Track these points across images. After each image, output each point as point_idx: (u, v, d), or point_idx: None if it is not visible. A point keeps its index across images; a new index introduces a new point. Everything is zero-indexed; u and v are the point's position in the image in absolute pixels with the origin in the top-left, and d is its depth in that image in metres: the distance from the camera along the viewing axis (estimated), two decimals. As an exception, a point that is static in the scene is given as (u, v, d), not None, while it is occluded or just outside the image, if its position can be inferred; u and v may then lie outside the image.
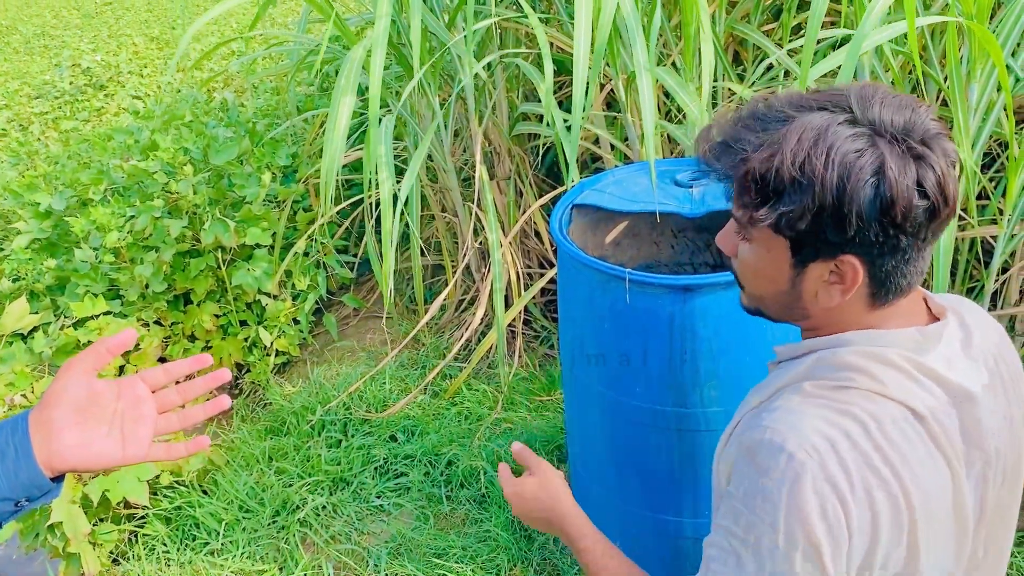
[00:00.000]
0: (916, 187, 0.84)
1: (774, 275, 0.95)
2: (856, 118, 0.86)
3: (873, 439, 0.87)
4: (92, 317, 2.77)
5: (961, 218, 2.35)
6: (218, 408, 0.89)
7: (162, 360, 3.08)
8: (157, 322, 3.10)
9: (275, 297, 3.24)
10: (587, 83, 2.01)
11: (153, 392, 0.87)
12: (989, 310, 2.46)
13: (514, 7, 2.92)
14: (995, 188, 2.53)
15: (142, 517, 2.45)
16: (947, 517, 0.91)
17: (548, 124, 2.28)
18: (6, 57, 9.36)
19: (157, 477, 2.55)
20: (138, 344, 2.90)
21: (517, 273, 2.94)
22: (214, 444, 2.84)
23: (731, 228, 1.00)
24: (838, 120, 0.86)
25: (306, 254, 3.32)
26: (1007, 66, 2.21)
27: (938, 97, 2.60)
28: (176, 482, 2.56)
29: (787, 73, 2.59)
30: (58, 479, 0.79)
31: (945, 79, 2.19)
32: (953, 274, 2.56)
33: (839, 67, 1.92)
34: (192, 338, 3.15)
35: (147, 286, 3.00)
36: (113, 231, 2.93)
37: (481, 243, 3.06)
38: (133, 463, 0.83)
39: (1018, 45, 2.25)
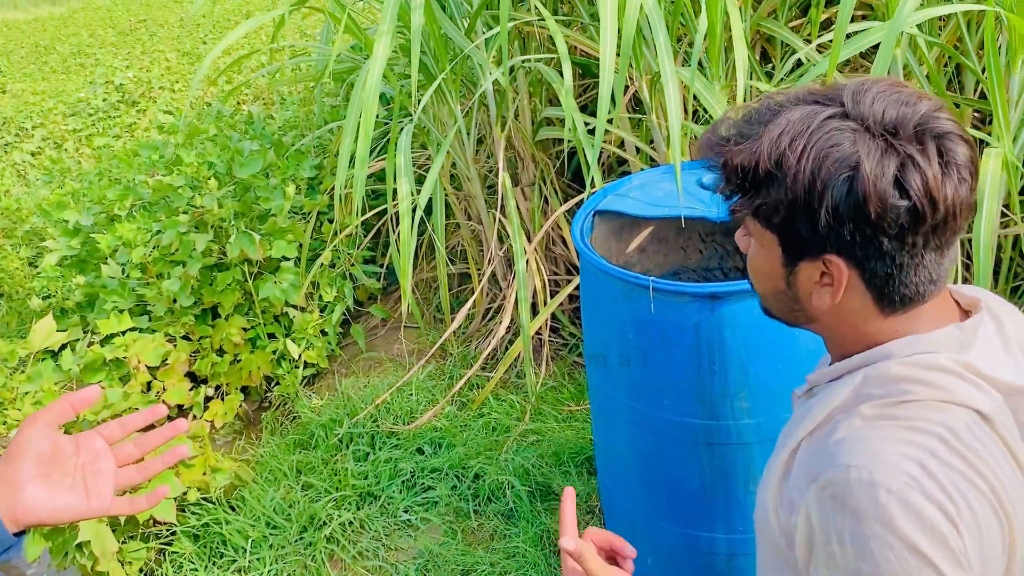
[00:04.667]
0: (894, 186, 0.79)
1: (770, 272, 0.92)
2: (847, 112, 0.82)
3: (957, 451, 0.80)
4: (120, 333, 2.78)
5: (1004, 215, 2.26)
6: (176, 458, 0.89)
7: (190, 375, 3.08)
8: (185, 337, 3.10)
9: (302, 309, 3.23)
10: (613, 85, 1.96)
11: (111, 445, 0.86)
12: (1035, 310, 2.35)
13: (536, 12, 2.88)
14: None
15: (171, 534, 2.44)
16: None
17: (570, 128, 2.23)
18: (44, 76, 9.54)
19: (185, 494, 2.54)
20: (165, 359, 2.91)
21: (543, 280, 2.89)
22: (242, 459, 2.83)
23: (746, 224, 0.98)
24: (825, 114, 0.82)
25: (332, 265, 3.31)
26: (1049, 55, 2.11)
27: (976, 90, 2.50)
28: (204, 499, 2.54)
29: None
30: (20, 533, 0.78)
31: (983, 71, 2.11)
32: (996, 273, 2.46)
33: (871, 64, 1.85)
34: (220, 352, 3.15)
35: (174, 301, 3.00)
36: (139, 247, 2.94)
37: (507, 250, 3.02)
38: (98, 516, 0.83)
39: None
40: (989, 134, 2.10)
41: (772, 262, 0.90)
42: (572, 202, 2.76)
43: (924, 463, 0.79)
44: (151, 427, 0.91)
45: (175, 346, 2.99)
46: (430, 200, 2.98)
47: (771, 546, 0.94)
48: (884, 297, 0.86)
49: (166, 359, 2.91)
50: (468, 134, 2.92)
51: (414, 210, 2.50)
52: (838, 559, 0.81)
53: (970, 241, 1.99)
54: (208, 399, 3.07)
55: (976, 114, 2.58)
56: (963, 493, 0.78)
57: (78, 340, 2.94)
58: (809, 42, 2.46)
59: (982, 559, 0.79)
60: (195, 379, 3.11)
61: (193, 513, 2.48)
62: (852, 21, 2.34)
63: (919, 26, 2.30)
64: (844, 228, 0.81)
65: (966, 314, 0.91)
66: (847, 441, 0.83)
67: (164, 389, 2.85)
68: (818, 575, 0.84)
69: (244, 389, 3.20)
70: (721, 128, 0.91)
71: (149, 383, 2.79)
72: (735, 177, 0.86)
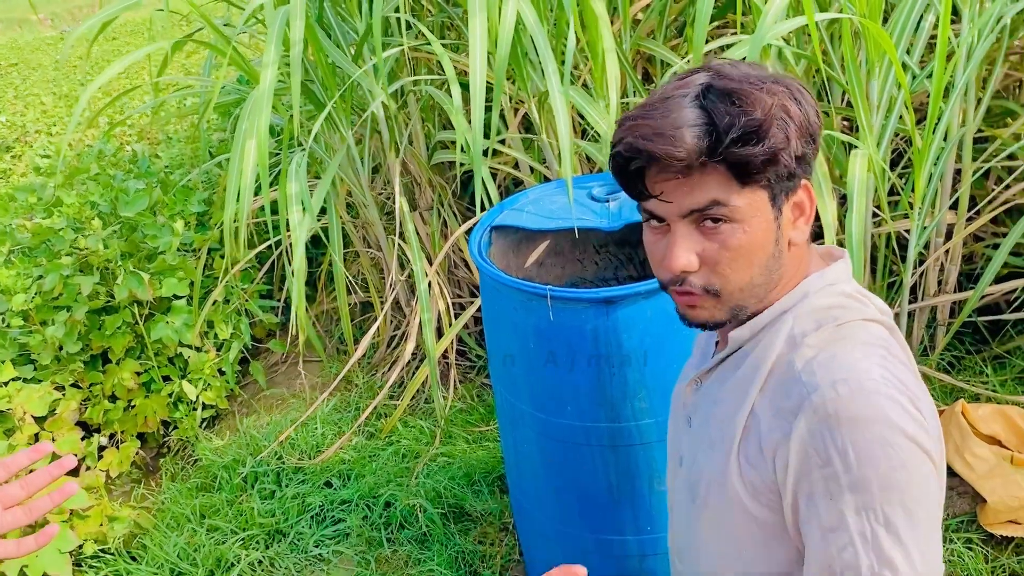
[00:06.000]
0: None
1: (764, 238, 0.93)
2: (747, 74, 0.93)
3: (895, 355, 0.92)
4: (2, 384, 2.63)
5: (875, 214, 2.40)
6: (64, 496, 0.87)
7: (82, 425, 2.93)
8: (75, 384, 2.95)
9: (198, 349, 3.12)
10: (488, 102, 2.00)
11: None
12: (909, 303, 2.50)
13: (423, 37, 2.91)
14: (905, 184, 2.59)
15: (66, 592, 2.31)
16: None
17: (462, 149, 2.25)
18: (-94, 125, 8.99)
19: (81, 547, 2.41)
20: (53, 409, 2.77)
21: (447, 303, 2.89)
22: (141, 507, 2.71)
23: (683, 238, 0.92)
24: (755, 73, 0.92)
25: (227, 301, 3.22)
26: (903, 64, 2.27)
27: (843, 99, 2.66)
28: (102, 551, 2.42)
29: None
30: None
31: (847, 81, 2.24)
32: (873, 271, 2.60)
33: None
34: (113, 398, 3.02)
35: (61, 348, 2.87)
36: (19, 293, 2.80)
37: (409, 276, 3.01)
38: None
39: (912, 43, 2.32)
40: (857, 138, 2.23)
41: (767, 223, 0.92)
42: (471, 223, 2.78)
43: (885, 366, 0.89)
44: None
45: (64, 395, 2.85)
46: (327, 231, 2.95)
47: (741, 516, 0.96)
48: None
49: (54, 409, 2.77)
50: (363, 161, 2.91)
51: (311, 240, 2.47)
52: (840, 477, 0.85)
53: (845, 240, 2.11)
54: (102, 448, 2.92)
55: (844, 122, 2.74)
56: (915, 385, 0.91)
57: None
58: (688, 59, 2.56)
59: (938, 437, 0.91)
60: (87, 428, 2.97)
61: (91, 567, 2.36)
62: (727, 36, 2.46)
63: (786, 39, 2.44)
64: (817, 141, 0.93)
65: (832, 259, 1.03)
66: (815, 366, 0.90)
67: (53, 440, 2.70)
68: (816, 509, 0.87)
69: (141, 436, 3.07)
70: (659, 123, 0.89)
71: (36, 434, 2.65)
72: (774, 132, 0.88)
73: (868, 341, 0.92)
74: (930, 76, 2.23)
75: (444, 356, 3.03)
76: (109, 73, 2.61)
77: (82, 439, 2.84)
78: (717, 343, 1.07)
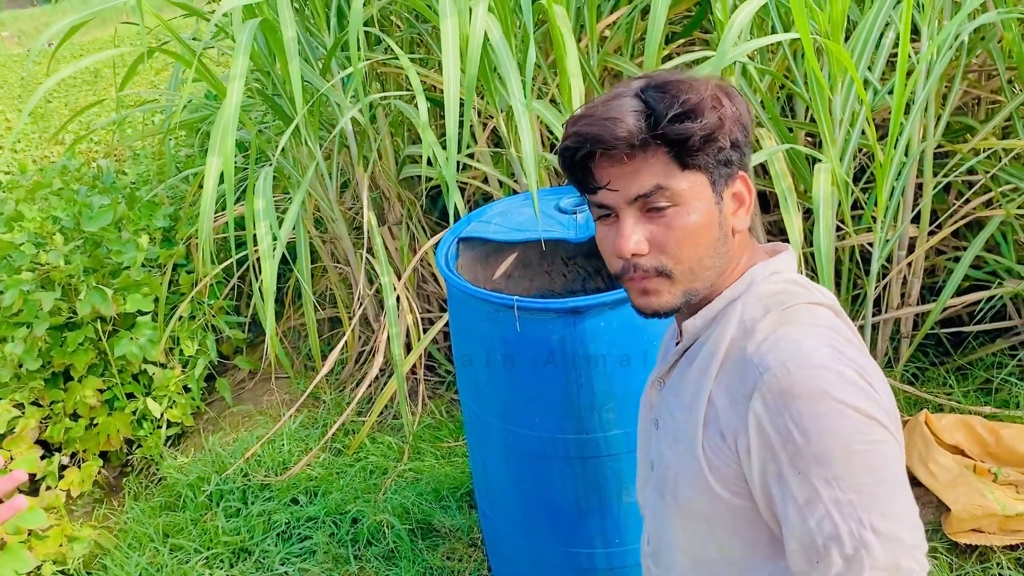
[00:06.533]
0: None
1: (707, 221, 0.97)
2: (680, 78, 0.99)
3: (842, 334, 0.95)
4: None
5: (839, 228, 2.43)
6: (12, 511, 0.85)
7: (43, 444, 2.87)
8: (35, 403, 2.89)
9: (163, 366, 3.08)
10: (460, 115, 2.00)
11: None
12: (873, 315, 2.53)
13: (391, 51, 2.91)
14: (868, 198, 2.63)
15: (22, 615, 2.25)
16: None
17: (430, 163, 2.25)
18: None
19: (39, 568, 2.36)
20: (12, 427, 2.71)
21: (415, 318, 2.88)
22: (102, 527, 2.65)
23: (631, 223, 0.96)
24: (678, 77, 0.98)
25: (193, 317, 3.18)
26: (865, 80, 2.31)
27: (807, 114, 2.69)
28: (60, 572, 2.36)
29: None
30: None
31: (810, 97, 2.27)
32: (838, 283, 2.63)
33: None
34: (75, 416, 2.96)
35: (20, 365, 2.81)
36: (-23, 310, 2.74)
37: (377, 291, 2.99)
38: None
39: (873, 60, 2.37)
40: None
41: (708, 207, 0.97)
42: (439, 236, 2.77)
43: (832, 344, 0.92)
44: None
45: (23, 413, 2.79)
46: (295, 246, 2.93)
47: (712, 505, 0.97)
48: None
49: (13, 427, 2.71)
50: (331, 176, 2.90)
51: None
52: (803, 451, 0.87)
53: (812, 255, 2.13)
54: (64, 467, 2.86)
55: (808, 137, 2.77)
56: (864, 361, 0.93)
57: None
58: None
59: (892, 408, 0.93)
60: (48, 447, 2.91)
61: (48, 589, 2.30)
62: (694, 52, 2.49)
63: (750, 56, 2.47)
64: (749, 136, 0.98)
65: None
66: (765, 348, 0.92)
67: (12, 459, 2.65)
68: (788, 486, 0.88)
69: (103, 454, 3.01)
70: (600, 114, 0.95)
71: (-7, 454, 2.59)
72: (707, 117, 0.93)
73: (814, 323, 0.95)
74: (891, 92, 2.27)
75: (413, 371, 3.01)
76: (66, 72, 2.57)
77: (42, 458, 2.78)
78: (677, 343, 1.08)
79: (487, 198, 3.19)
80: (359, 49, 2.71)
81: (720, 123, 0.94)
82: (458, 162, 2.48)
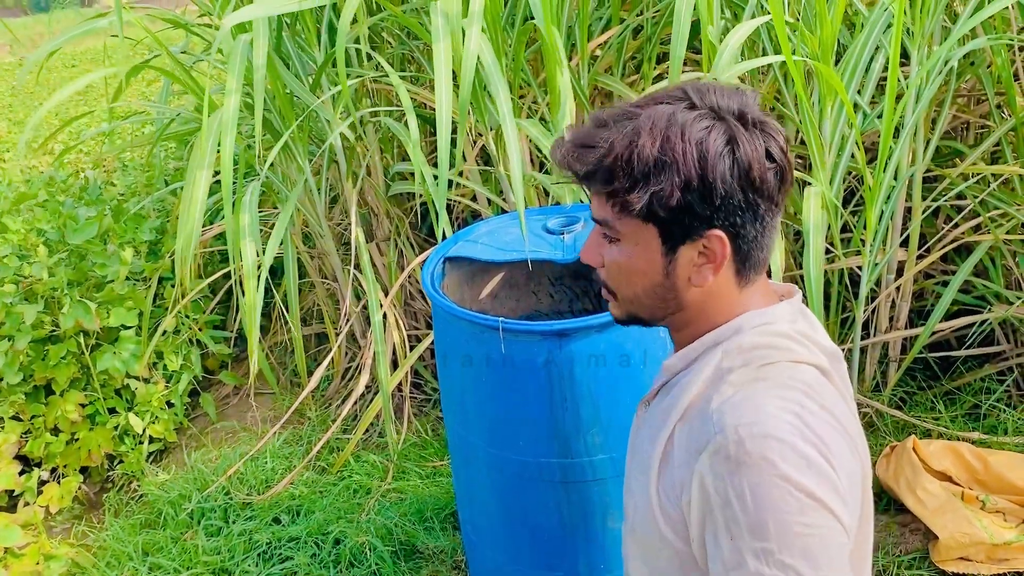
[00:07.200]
0: (766, 154, 0.91)
1: (647, 268, 0.97)
2: (696, 104, 0.92)
3: (817, 400, 0.91)
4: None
5: (828, 251, 2.43)
6: None
7: (22, 459, 2.83)
8: (15, 417, 2.85)
9: (146, 381, 3.04)
10: (450, 133, 1.99)
11: None
12: (862, 339, 2.52)
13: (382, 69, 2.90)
14: (856, 221, 2.63)
15: (-5, 635, 2.21)
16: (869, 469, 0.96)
17: (420, 181, 2.24)
18: None
19: (13, 588, 2.31)
20: (-9, 443, 2.67)
21: (402, 336, 2.85)
22: (81, 545, 2.61)
23: (595, 237, 1.02)
24: (682, 107, 0.92)
25: (177, 332, 3.15)
26: (854, 104, 2.31)
27: (796, 137, 2.70)
28: (35, 591, 2.32)
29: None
30: None
31: (800, 120, 2.28)
32: (827, 307, 2.63)
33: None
34: (56, 431, 2.92)
35: (1, 379, 2.77)
36: (-42, 322, 2.70)
37: (364, 307, 2.97)
38: None
39: (862, 84, 2.37)
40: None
41: (650, 256, 0.96)
42: (427, 254, 2.75)
43: (798, 413, 0.88)
44: None
45: (2, 427, 2.75)
46: (282, 260, 2.90)
47: (660, 542, 0.96)
48: (746, 263, 0.96)
49: (-8, 443, 2.68)
50: (319, 191, 2.88)
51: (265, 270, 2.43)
52: (740, 519, 0.84)
53: (802, 277, 2.13)
54: (43, 483, 2.82)
55: (799, 159, 2.77)
56: (830, 435, 0.89)
57: None
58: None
59: (850, 490, 0.89)
60: (28, 462, 2.86)
61: (22, 609, 2.25)
62: (686, 72, 2.49)
63: (741, 79, 2.47)
64: (734, 197, 0.91)
65: (781, 298, 1.03)
66: (727, 406, 0.89)
67: (-11, 475, 2.61)
68: (720, 547, 0.86)
69: (84, 470, 2.97)
70: (567, 140, 0.96)
71: (-29, 469, 2.55)
72: (622, 171, 0.91)
73: (787, 384, 0.91)
74: (880, 116, 2.27)
75: (399, 389, 2.99)
76: (62, 95, 2.56)
77: (21, 473, 2.74)
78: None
79: (475, 216, 3.17)
80: (347, 65, 2.71)
81: (638, 187, 0.90)
82: (449, 179, 2.46)
